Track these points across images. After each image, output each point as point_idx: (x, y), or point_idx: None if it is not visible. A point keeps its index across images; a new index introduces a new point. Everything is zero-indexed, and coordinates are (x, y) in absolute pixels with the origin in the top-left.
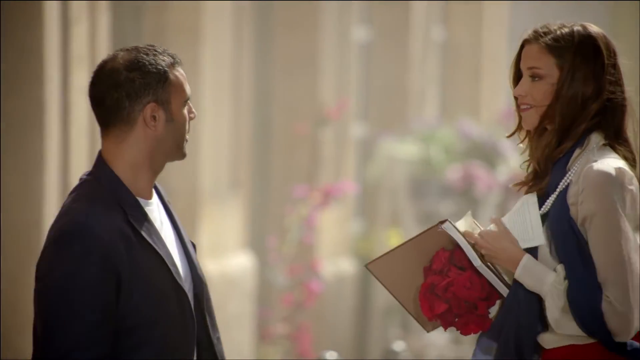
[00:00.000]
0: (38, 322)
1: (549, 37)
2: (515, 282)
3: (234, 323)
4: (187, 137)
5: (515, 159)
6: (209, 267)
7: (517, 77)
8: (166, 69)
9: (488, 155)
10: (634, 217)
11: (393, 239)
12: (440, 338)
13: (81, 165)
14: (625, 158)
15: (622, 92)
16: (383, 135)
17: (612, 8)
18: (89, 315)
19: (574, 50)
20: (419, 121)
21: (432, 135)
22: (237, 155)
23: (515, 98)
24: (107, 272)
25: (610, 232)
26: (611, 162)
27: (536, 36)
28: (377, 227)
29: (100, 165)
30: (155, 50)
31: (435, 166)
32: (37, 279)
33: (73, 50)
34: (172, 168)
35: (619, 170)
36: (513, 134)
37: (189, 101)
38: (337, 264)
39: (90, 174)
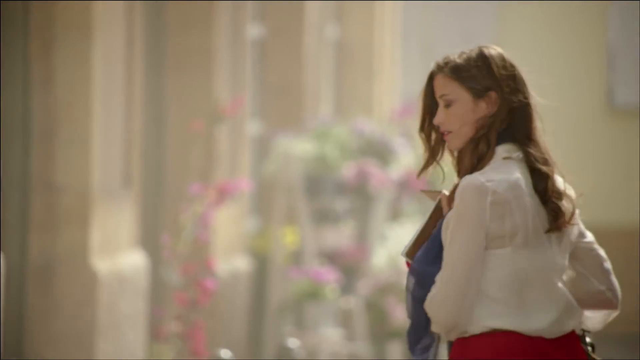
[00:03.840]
0: None
1: (450, 65)
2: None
3: (126, 322)
4: None
5: (407, 157)
6: (100, 265)
7: (427, 107)
8: None
9: (381, 153)
10: (493, 227)
11: (289, 236)
12: (334, 335)
13: None
14: (531, 163)
15: (525, 98)
16: (279, 133)
17: (500, 10)
18: None
19: (471, 71)
20: (314, 119)
21: (327, 133)
22: (129, 153)
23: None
24: None
25: (451, 235)
26: (480, 176)
27: (440, 67)
28: (272, 224)
29: None
30: None
31: (330, 164)
32: None
33: None
34: (62, 164)
35: (477, 183)
36: (425, 168)
37: None
38: (232, 262)
39: None
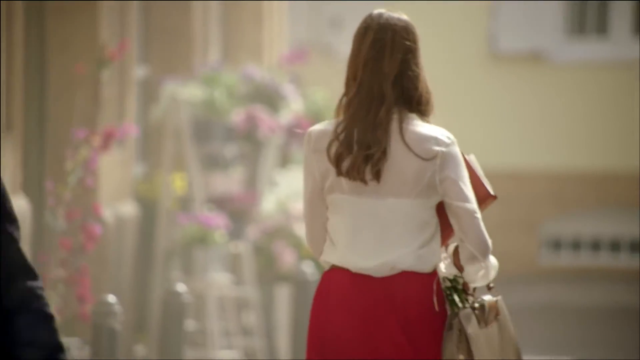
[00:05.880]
0: None
1: None
2: None
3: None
4: None
5: (296, 103)
6: None
7: None
8: None
9: (271, 99)
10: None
11: (177, 182)
12: (222, 279)
13: None
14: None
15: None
16: (166, 78)
17: None
18: None
19: None
20: (202, 64)
21: (216, 78)
22: (11, 97)
23: None
24: None
25: None
26: (314, 125)
27: None
28: (160, 170)
29: None
30: None
31: (219, 109)
32: None
33: None
34: None
35: (307, 132)
36: None
37: None
38: (118, 208)
39: None
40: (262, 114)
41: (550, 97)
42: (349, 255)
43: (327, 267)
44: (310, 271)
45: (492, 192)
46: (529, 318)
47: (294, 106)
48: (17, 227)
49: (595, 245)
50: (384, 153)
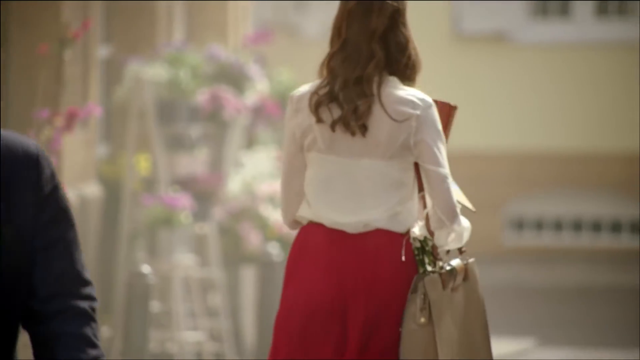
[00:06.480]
0: None
1: None
2: None
3: None
4: None
5: (262, 83)
6: None
7: None
8: None
9: (236, 79)
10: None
11: (141, 163)
12: (187, 260)
13: None
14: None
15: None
16: (130, 58)
17: None
18: None
19: None
20: (166, 44)
21: (180, 58)
22: None
23: None
24: None
25: None
26: (300, 87)
27: None
28: (124, 151)
29: None
30: None
31: (184, 89)
32: None
33: None
34: None
35: (291, 93)
36: None
37: None
38: (82, 189)
39: None
40: (227, 94)
41: (513, 79)
42: (323, 210)
43: (304, 223)
44: (275, 252)
45: (451, 103)
46: (492, 298)
47: (259, 87)
48: (72, 224)
49: (558, 226)
50: (369, 107)
